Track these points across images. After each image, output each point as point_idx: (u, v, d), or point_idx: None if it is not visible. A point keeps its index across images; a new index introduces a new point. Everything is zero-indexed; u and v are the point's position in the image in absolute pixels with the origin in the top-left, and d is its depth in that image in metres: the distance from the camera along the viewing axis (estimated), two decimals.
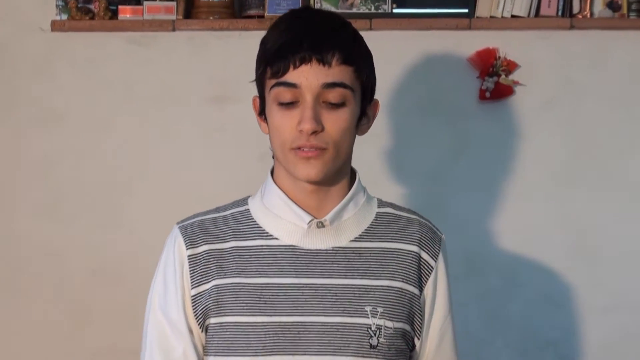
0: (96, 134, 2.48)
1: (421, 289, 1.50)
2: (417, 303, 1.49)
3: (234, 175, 2.41)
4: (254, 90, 1.52)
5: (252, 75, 1.50)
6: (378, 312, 1.44)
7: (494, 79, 2.41)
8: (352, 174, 1.53)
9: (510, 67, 2.43)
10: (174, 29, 2.45)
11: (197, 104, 2.48)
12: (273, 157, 1.51)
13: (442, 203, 2.45)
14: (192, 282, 1.47)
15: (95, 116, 2.48)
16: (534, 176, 2.47)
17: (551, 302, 2.47)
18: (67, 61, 2.48)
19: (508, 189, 2.46)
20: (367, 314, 1.43)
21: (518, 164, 2.46)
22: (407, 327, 1.48)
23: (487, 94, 2.42)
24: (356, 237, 1.48)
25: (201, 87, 2.47)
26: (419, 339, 1.52)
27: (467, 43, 2.44)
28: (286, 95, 1.40)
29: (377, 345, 1.43)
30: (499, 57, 2.42)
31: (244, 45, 2.30)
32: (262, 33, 1.49)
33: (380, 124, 2.39)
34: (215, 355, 1.46)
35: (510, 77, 2.43)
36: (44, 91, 2.48)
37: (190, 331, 1.47)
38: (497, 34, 2.44)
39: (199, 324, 1.47)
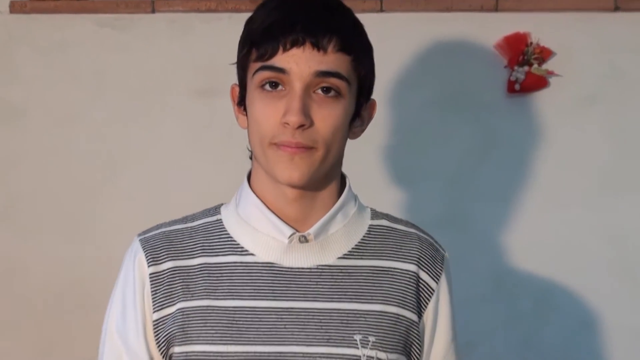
0: (62, 131, 2.48)
1: (420, 315, 1.50)
2: (415, 331, 1.49)
3: (222, 179, 2.36)
4: None
5: None
6: (369, 341, 1.43)
7: (524, 68, 2.40)
8: (342, 180, 1.52)
9: (544, 54, 2.41)
10: (153, 11, 2.46)
11: (181, 97, 2.47)
12: (251, 158, 1.50)
13: (463, 213, 2.44)
14: (154, 305, 1.47)
15: (61, 111, 2.48)
16: (572, 182, 2.45)
17: (590, 328, 2.45)
18: (28, 47, 2.47)
19: (541, 197, 2.45)
20: (357, 344, 1.43)
21: (552, 167, 2.45)
22: (403, 359, 1.47)
23: (517, 86, 2.41)
24: (345, 254, 1.48)
25: (185, 77, 2.47)
26: None
27: (493, 27, 2.43)
28: (272, 81, 1.39)
29: None
30: (531, 43, 2.41)
31: (234, 29, 2.23)
32: None
33: (390, 121, 2.39)
34: None
35: (544, 66, 2.42)
36: (2, 82, 2.48)
37: None
38: (528, 17, 2.43)
39: (161, 353, 1.47)
